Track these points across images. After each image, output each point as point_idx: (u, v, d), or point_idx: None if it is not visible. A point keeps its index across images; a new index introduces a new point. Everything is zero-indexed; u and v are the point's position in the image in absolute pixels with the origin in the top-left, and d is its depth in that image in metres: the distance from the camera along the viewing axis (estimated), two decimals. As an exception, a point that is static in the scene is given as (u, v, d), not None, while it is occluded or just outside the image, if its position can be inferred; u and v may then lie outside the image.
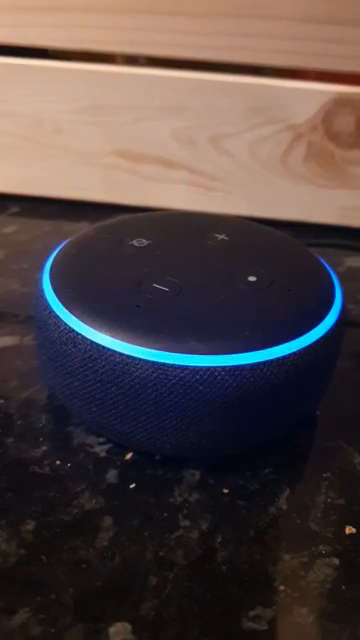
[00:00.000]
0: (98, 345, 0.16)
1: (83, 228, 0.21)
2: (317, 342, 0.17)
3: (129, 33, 0.27)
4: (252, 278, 0.18)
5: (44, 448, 0.18)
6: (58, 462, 0.18)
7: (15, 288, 0.26)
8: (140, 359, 0.15)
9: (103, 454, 0.18)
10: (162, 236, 0.20)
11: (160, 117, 0.29)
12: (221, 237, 0.20)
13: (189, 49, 0.28)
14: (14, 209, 0.31)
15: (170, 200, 0.31)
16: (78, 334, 0.16)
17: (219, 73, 0.28)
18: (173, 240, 0.20)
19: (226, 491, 0.17)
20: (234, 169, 0.30)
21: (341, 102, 0.28)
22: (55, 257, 0.19)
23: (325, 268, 0.20)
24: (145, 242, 0.20)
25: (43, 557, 0.15)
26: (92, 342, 0.16)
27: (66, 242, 0.20)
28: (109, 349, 0.16)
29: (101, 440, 0.18)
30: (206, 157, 0.30)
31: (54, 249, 0.20)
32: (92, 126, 0.29)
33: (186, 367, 0.16)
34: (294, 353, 0.16)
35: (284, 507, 0.17)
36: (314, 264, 0.20)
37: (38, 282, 0.18)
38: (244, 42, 0.27)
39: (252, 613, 0.15)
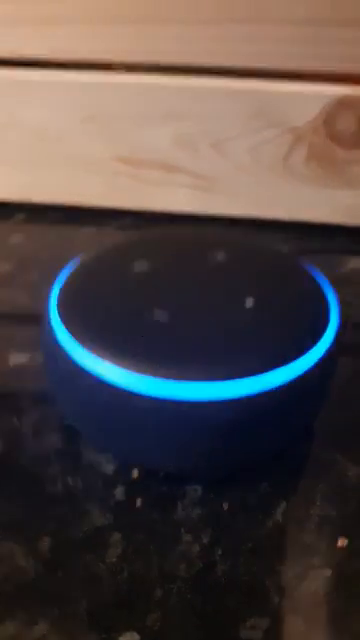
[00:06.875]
0: (100, 378, 0.17)
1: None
2: (315, 365, 0.18)
3: (127, 42, 0.27)
4: (248, 302, 0.19)
5: (57, 467, 0.19)
6: (70, 480, 0.19)
7: (24, 302, 0.27)
8: (138, 393, 0.16)
9: (111, 472, 0.19)
10: (162, 258, 0.21)
11: (161, 124, 0.29)
12: (220, 257, 0.21)
13: (187, 55, 0.27)
14: (20, 216, 0.32)
15: (172, 204, 0.31)
16: (83, 368, 0.17)
17: (219, 78, 0.28)
18: (172, 262, 0.21)
19: (226, 506, 0.19)
20: (236, 172, 0.30)
21: (343, 104, 0.28)
22: (61, 284, 0.20)
23: (320, 286, 0.20)
24: (146, 266, 0.20)
25: (59, 572, 0.17)
26: (96, 376, 0.17)
27: (70, 267, 0.21)
28: (110, 383, 0.17)
29: (109, 458, 0.20)
30: (208, 161, 0.30)
31: (59, 271, 0.20)
32: (94, 134, 0.30)
33: (185, 397, 0.17)
34: (291, 379, 0.17)
35: (280, 520, 0.18)
36: (310, 283, 0.20)
37: (45, 311, 0.19)
38: (242, 47, 0.27)
39: (249, 623, 0.16)
